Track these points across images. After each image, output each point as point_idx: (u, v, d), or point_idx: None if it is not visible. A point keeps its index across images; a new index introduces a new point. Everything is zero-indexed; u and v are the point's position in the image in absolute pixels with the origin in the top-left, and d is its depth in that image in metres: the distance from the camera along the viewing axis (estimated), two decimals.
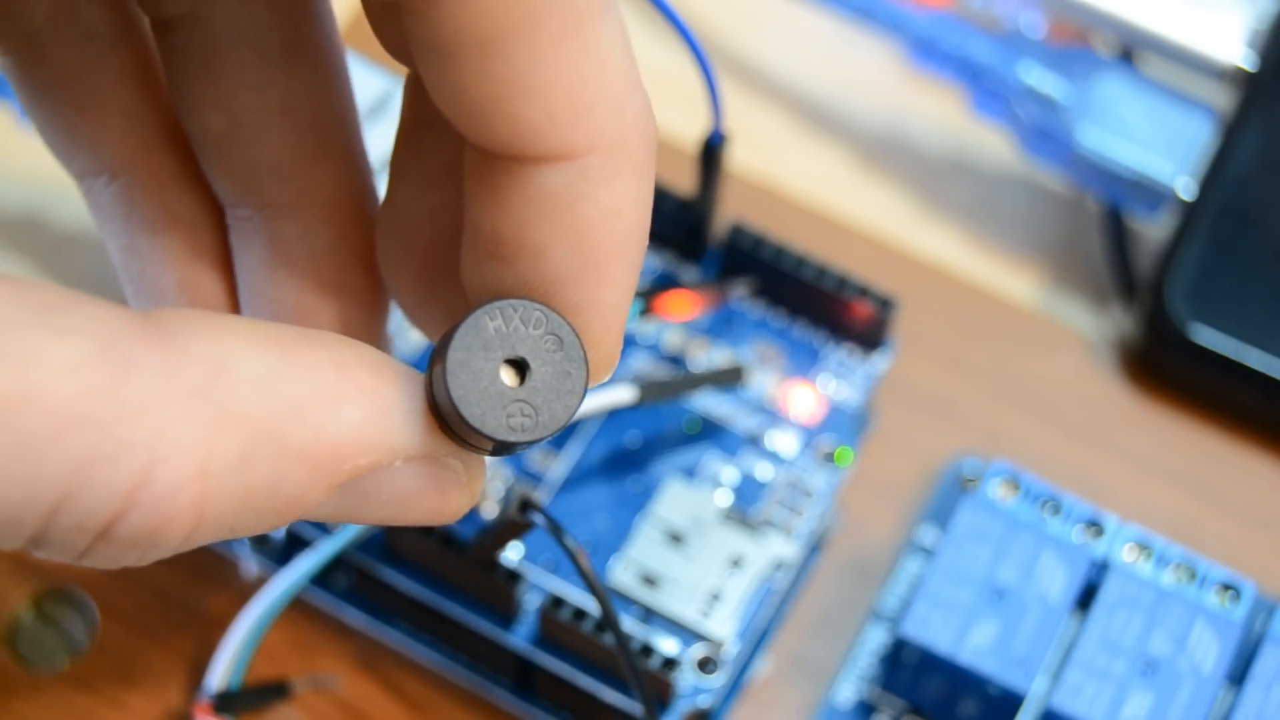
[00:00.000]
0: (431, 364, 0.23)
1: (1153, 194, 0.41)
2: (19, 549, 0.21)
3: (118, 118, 0.27)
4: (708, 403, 0.36)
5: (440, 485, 0.23)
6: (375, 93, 0.37)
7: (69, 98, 0.27)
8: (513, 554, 0.34)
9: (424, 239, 0.26)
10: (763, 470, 0.35)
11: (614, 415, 0.36)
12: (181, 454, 0.21)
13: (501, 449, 0.23)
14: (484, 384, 0.22)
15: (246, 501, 0.22)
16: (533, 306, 0.23)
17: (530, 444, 0.23)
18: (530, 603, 0.34)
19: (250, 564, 0.36)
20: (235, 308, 0.28)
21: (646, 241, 0.24)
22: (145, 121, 0.27)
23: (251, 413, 0.21)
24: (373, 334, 0.28)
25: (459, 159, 0.24)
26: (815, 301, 0.37)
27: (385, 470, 0.23)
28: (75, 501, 0.20)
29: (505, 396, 0.22)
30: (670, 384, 0.35)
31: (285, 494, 0.22)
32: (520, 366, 0.23)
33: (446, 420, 0.23)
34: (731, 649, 0.33)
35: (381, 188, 0.27)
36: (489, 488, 0.35)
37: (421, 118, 0.26)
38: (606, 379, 0.25)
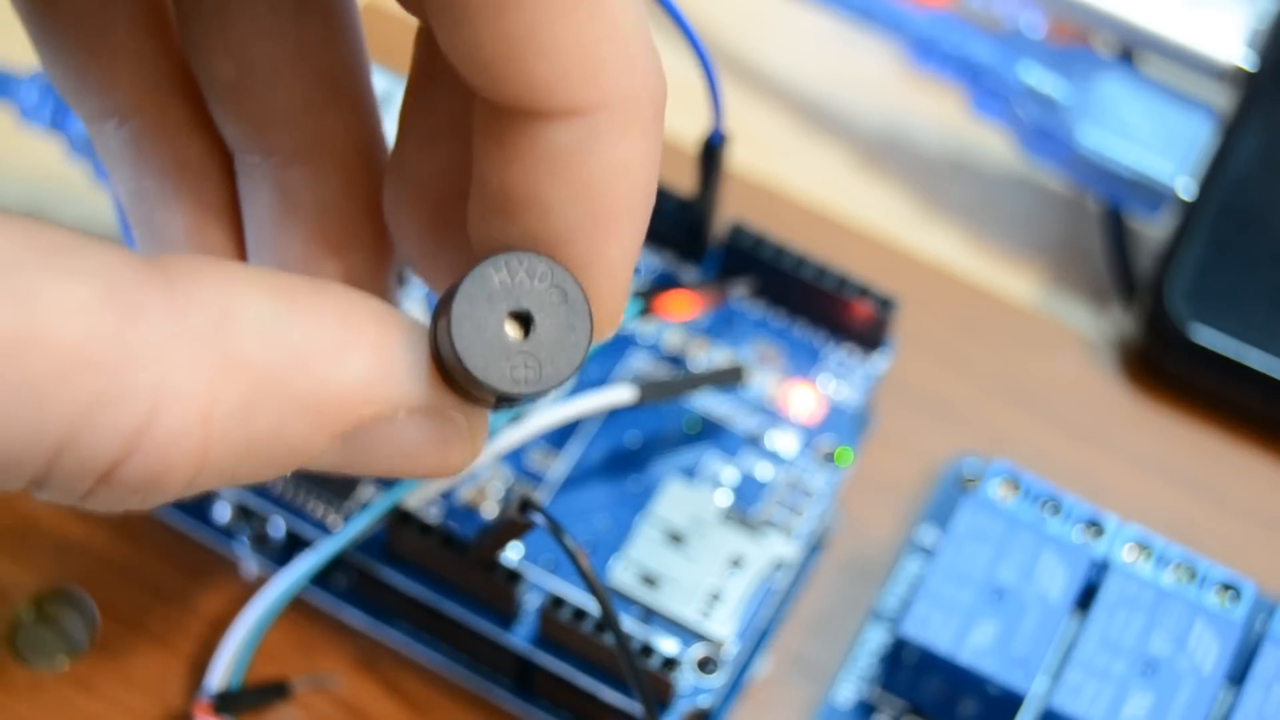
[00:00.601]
0: (436, 316, 0.23)
1: (1153, 194, 0.41)
2: (21, 489, 0.21)
3: (128, 61, 0.27)
4: (708, 403, 0.36)
5: (443, 438, 0.23)
6: (378, 91, 0.37)
7: (80, 40, 0.27)
8: (513, 554, 0.34)
9: (431, 192, 0.26)
10: (763, 470, 0.35)
11: (614, 415, 0.36)
12: (185, 399, 0.21)
13: (505, 401, 0.23)
14: (488, 336, 0.22)
15: (248, 448, 0.22)
16: (538, 260, 0.23)
17: (534, 396, 0.23)
18: (530, 603, 0.34)
19: (250, 564, 0.36)
20: (242, 255, 0.28)
21: (654, 199, 0.24)
22: (156, 66, 0.27)
23: (256, 360, 0.21)
24: (378, 285, 0.28)
25: (467, 113, 0.24)
26: (815, 301, 0.37)
27: (388, 422, 0.23)
28: (78, 443, 0.20)
29: (509, 349, 0.22)
30: (670, 384, 0.35)
31: (287, 442, 0.22)
32: (525, 319, 0.23)
33: (450, 372, 0.23)
34: (731, 649, 0.33)
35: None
36: (489, 488, 0.35)
37: (431, 71, 0.26)
38: (610, 336, 0.25)
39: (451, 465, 0.24)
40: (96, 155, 0.28)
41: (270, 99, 0.26)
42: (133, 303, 0.20)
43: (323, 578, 0.35)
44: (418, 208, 0.26)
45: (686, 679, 0.33)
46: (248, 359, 0.21)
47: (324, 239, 0.27)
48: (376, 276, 0.28)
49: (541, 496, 0.35)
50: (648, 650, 0.32)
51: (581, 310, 0.23)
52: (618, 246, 0.23)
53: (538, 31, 0.22)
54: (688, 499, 0.35)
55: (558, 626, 0.33)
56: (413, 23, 0.25)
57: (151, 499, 0.21)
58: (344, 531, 0.33)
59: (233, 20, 0.26)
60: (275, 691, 0.35)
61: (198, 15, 0.26)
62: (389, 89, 0.38)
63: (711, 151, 0.35)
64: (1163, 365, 0.40)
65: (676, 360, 0.37)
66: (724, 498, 0.35)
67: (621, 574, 0.34)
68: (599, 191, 0.23)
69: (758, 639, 0.36)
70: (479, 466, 0.35)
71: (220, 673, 0.33)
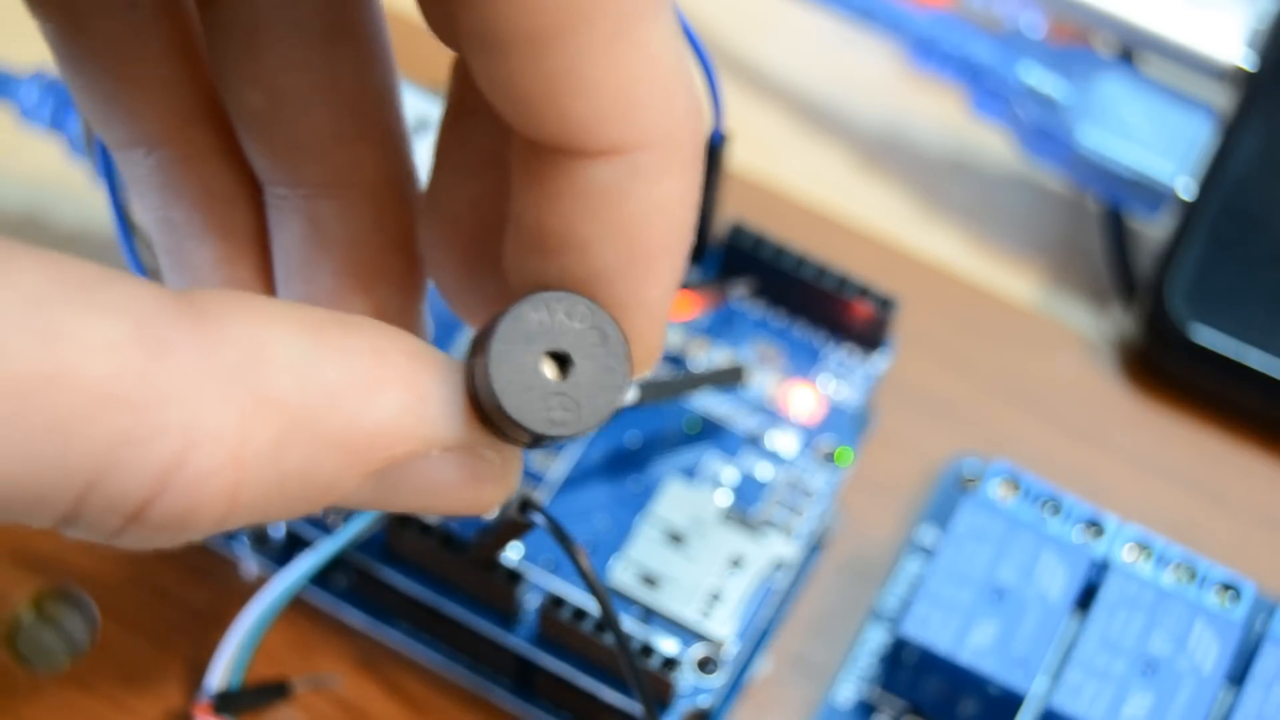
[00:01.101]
0: (472, 354, 0.23)
1: (1153, 194, 0.41)
2: (51, 526, 0.21)
3: (158, 89, 0.27)
4: (708, 403, 0.36)
5: (475, 476, 0.23)
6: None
7: (109, 68, 0.26)
8: (513, 554, 0.34)
9: (467, 226, 0.26)
10: (763, 470, 0.35)
11: (614, 415, 0.36)
12: (216, 438, 0.20)
13: (539, 442, 0.23)
14: (526, 376, 0.22)
15: (279, 487, 0.21)
16: (577, 300, 0.23)
17: (569, 438, 0.23)
18: (530, 603, 0.34)
19: (250, 564, 0.36)
20: (270, 286, 0.27)
21: (691, 238, 0.24)
22: (185, 95, 0.27)
23: (287, 398, 0.21)
24: (409, 319, 0.27)
25: (504, 145, 0.24)
26: (815, 301, 0.37)
27: (420, 459, 0.23)
28: (107, 483, 0.20)
29: (547, 390, 0.22)
30: (670, 384, 0.35)
31: (319, 481, 0.22)
32: (562, 360, 0.22)
33: (486, 412, 0.22)
34: (731, 649, 0.33)
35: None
36: None
37: (468, 104, 0.25)
38: (648, 374, 0.24)
39: (484, 503, 0.24)
40: (90, 163, 0.27)
41: (300, 129, 0.26)
42: (162, 339, 0.20)
43: (323, 578, 0.35)
44: (452, 240, 0.26)
45: (686, 679, 0.33)
46: (279, 397, 0.21)
47: (354, 272, 0.27)
48: (407, 310, 0.27)
49: (541, 496, 0.35)
50: (648, 650, 0.32)
51: (620, 351, 0.23)
52: (656, 286, 0.23)
53: (576, 70, 0.21)
54: (688, 499, 0.35)
55: (558, 626, 0.33)
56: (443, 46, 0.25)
57: (181, 537, 0.21)
58: (344, 531, 0.33)
59: (263, 50, 0.26)
60: (275, 691, 0.35)
61: (228, 44, 0.26)
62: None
63: (711, 151, 0.35)
64: (1163, 365, 0.40)
65: (676, 360, 0.37)
66: (724, 498, 0.35)
67: (621, 574, 0.34)
68: (638, 231, 0.23)
69: (758, 639, 0.36)
70: None
71: (220, 673, 0.33)
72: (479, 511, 0.24)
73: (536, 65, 0.21)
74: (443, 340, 0.35)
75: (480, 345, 0.22)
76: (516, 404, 0.22)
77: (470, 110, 0.25)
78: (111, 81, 0.26)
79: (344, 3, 0.26)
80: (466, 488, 0.23)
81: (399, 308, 0.27)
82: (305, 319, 0.22)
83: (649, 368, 0.24)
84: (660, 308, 0.24)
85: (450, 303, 0.27)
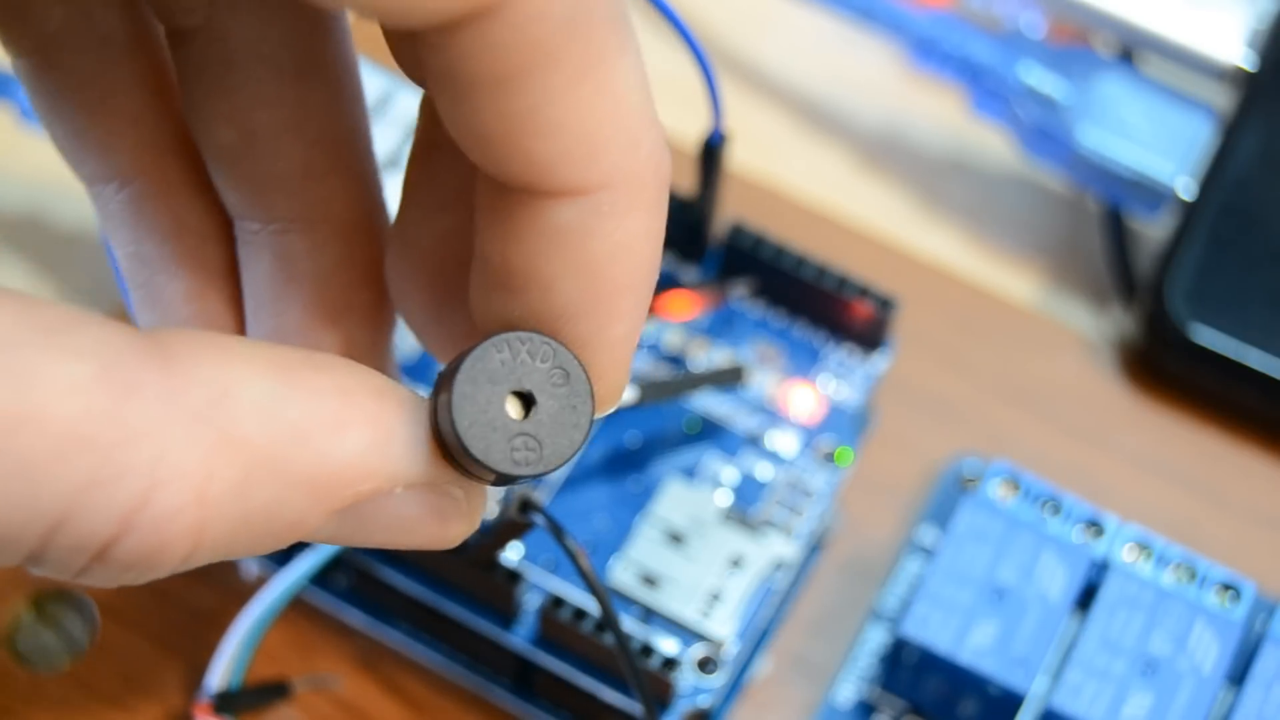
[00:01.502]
0: (436, 393, 0.23)
1: (1153, 194, 0.41)
2: (16, 565, 0.21)
3: (129, 125, 0.27)
4: (708, 403, 0.36)
5: (440, 513, 0.23)
6: (376, 92, 0.37)
7: (82, 103, 0.27)
8: (513, 554, 0.34)
9: (434, 260, 0.26)
10: (763, 470, 0.35)
11: (614, 415, 0.36)
12: (181, 478, 0.21)
13: (504, 480, 0.23)
14: (489, 416, 0.22)
15: (245, 525, 0.21)
16: (540, 340, 0.23)
17: (534, 477, 0.23)
18: (530, 603, 0.34)
19: (250, 564, 0.36)
20: (241, 320, 0.28)
21: (657, 275, 0.24)
22: (157, 129, 0.27)
23: (253, 437, 0.21)
24: (377, 353, 0.27)
25: (471, 182, 0.24)
26: (815, 301, 0.37)
27: (386, 496, 0.23)
28: (74, 522, 0.20)
29: (510, 429, 0.22)
30: (670, 384, 0.35)
31: (284, 519, 0.22)
32: (526, 399, 0.23)
33: (450, 450, 0.23)
34: (731, 649, 0.33)
35: (389, 197, 0.27)
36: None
37: (435, 139, 0.25)
38: (611, 411, 0.24)
39: (449, 538, 0.24)
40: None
41: (271, 165, 0.26)
42: (129, 381, 0.20)
43: (323, 578, 0.35)
44: (420, 275, 0.26)
45: (686, 679, 0.33)
46: (245, 436, 0.21)
47: (323, 306, 0.27)
48: (376, 345, 0.27)
49: (541, 496, 0.35)
50: (648, 650, 0.32)
51: (583, 390, 0.23)
52: (620, 325, 0.23)
53: (540, 111, 0.21)
54: (688, 499, 0.35)
55: (558, 626, 0.33)
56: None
57: (146, 575, 0.21)
58: None
59: (235, 86, 0.26)
60: (275, 691, 0.35)
61: (200, 80, 0.26)
62: (389, 89, 0.38)
63: (711, 151, 0.35)
64: (1163, 365, 0.40)
65: (676, 360, 0.37)
66: (724, 498, 0.35)
67: (621, 574, 0.34)
68: (602, 270, 0.23)
69: (758, 639, 0.36)
70: None
71: (220, 673, 0.33)
72: (443, 546, 0.24)
73: (501, 105, 0.21)
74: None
75: (444, 384, 0.23)
76: (480, 444, 0.22)
77: (437, 146, 0.26)
78: (84, 116, 0.27)
79: (314, 40, 0.26)
80: (432, 524, 0.23)
81: (368, 342, 0.27)
82: (272, 359, 0.22)
83: (613, 405, 0.24)
84: (624, 346, 0.24)
85: (418, 336, 0.27)
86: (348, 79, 0.27)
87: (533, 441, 0.23)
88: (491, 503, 0.35)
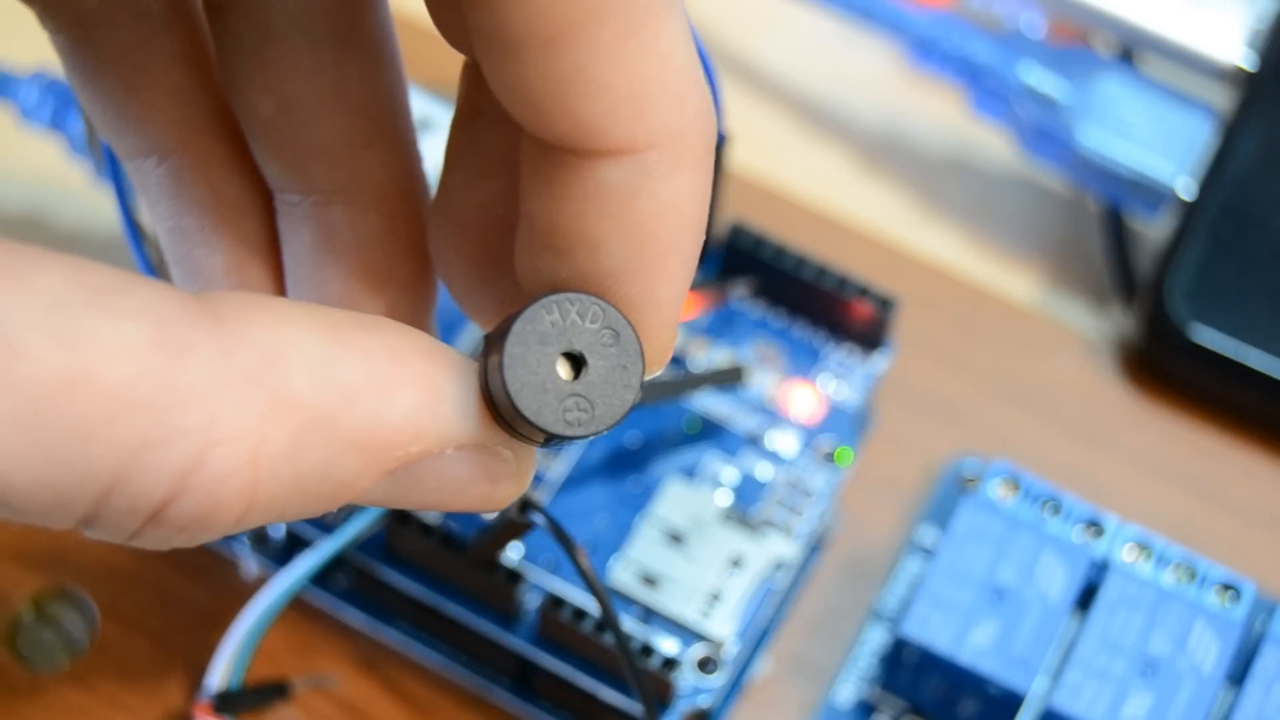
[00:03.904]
0: (486, 354, 0.23)
1: (1153, 194, 0.41)
2: (71, 528, 0.21)
3: (168, 98, 0.27)
4: (708, 403, 0.36)
5: (490, 474, 0.23)
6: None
7: (120, 78, 0.26)
8: (513, 554, 0.34)
9: (478, 228, 0.26)
10: (763, 470, 0.35)
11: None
12: (235, 439, 0.21)
13: (554, 441, 0.23)
14: (540, 377, 0.22)
15: (297, 487, 0.22)
16: (589, 300, 0.23)
17: (586, 438, 0.23)
18: (530, 603, 0.34)
19: (250, 564, 0.36)
20: (282, 293, 0.28)
21: (703, 237, 0.24)
22: (195, 103, 0.27)
23: (305, 399, 0.21)
24: (420, 322, 0.27)
25: (514, 147, 0.24)
26: (815, 301, 0.37)
27: (436, 458, 0.23)
28: (127, 485, 0.20)
29: (561, 390, 0.22)
30: (670, 384, 0.35)
31: (336, 480, 0.22)
32: (576, 360, 0.23)
33: (501, 412, 0.23)
34: (731, 649, 0.33)
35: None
36: None
37: (478, 106, 0.25)
38: (660, 372, 0.25)
39: (498, 500, 0.24)
40: (91, 162, 0.28)
41: (310, 136, 0.26)
42: (181, 342, 0.20)
43: (323, 578, 0.35)
44: (463, 243, 0.26)
45: (686, 679, 0.33)
46: (296, 398, 0.21)
47: (365, 277, 0.27)
48: (418, 315, 0.27)
49: (541, 496, 0.35)
50: (648, 650, 0.32)
51: (633, 351, 0.23)
52: (668, 285, 0.23)
53: (587, 70, 0.21)
54: (688, 499, 0.35)
55: (558, 626, 0.33)
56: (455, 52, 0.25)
57: (199, 538, 0.21)
58: (344, 531, 0.33)
59: (273, 56, 0.26)
60: (275, 691, 0.35)
61: (238, 51, 0.26)
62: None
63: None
64: (1163, 365, 0.40)
65: (676, 360, 0.37)
66: (724, 498, 0.35)
67: (621, 574, 0.34)
68: (649, 230, 0.23)
69: (758, 639, 0.36)
70: None
71: (220, 673, 0.33)
72: (493, 508, 0.24)
73: (547, 65, 0.21)
74: (446, 339, 0.35)
75: (494, 346, 0.23)
76: (532, 405, 0.22)
77: (480, 112, 0.26)
78: (122, 92, 0.27)
79: (353, 9, 0.26)
80: (481, 485, 0.23)
81: (409, 311, 0.27)
82: (321, 320, 0.22)
83: (661, 365, 0.24)
84: (672, 306, 0.24)
85: (461, 304, 0.27)
86: (387, 48, 0.26)
87: (584, 402, 0.23)
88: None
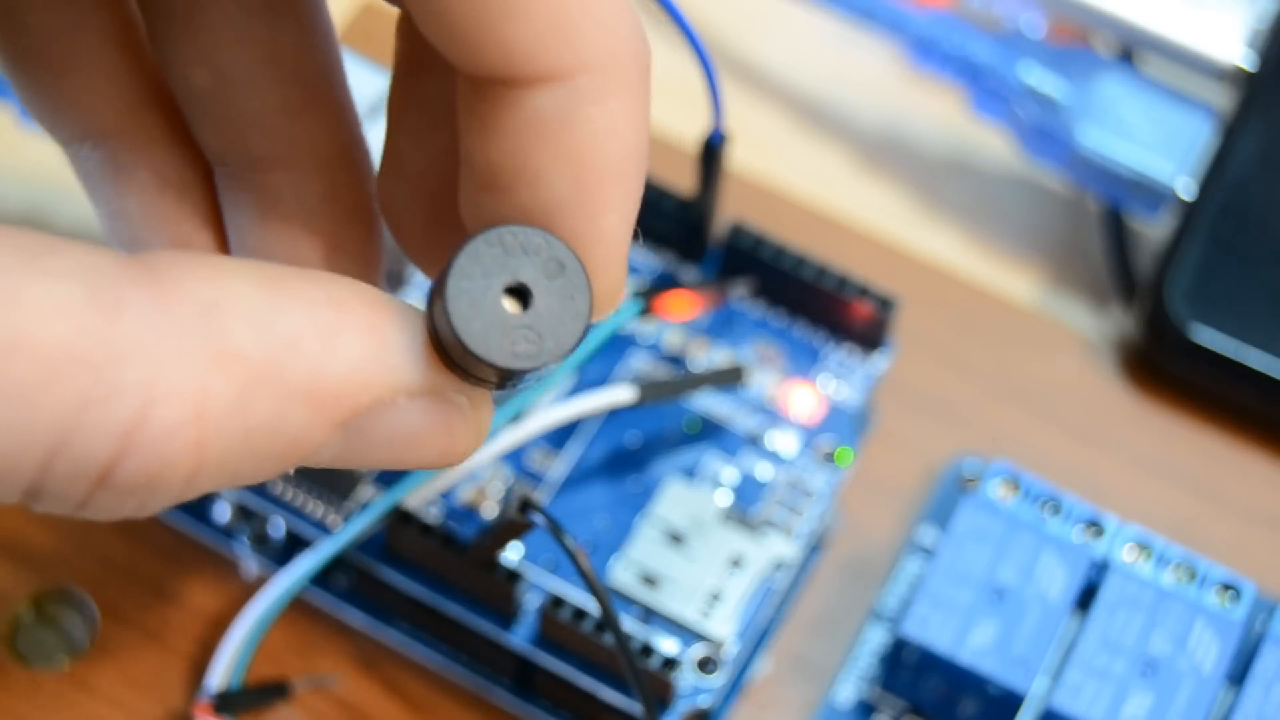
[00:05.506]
0: (431, 297, 0.22)
1: (1153, 194, 0.41)
2: (17, 501, 0.21)
3: (101, 81, 0.26)
4: (708, 403, 0.36)
5: (446, 423, 0.23)
6: (375, 93, 0.37)
7: (51, 63, 0.26)
8: (513, 554, 0.34)
9: (427, 184, 0.26)
10: (763, 470, 0.35)
11: (614, 415, 0.36)
12: (177, 395, 0.20)
13: (507, 379, 0.23)
14: (486, 312, 0.22)
15: (246, 443, 0.21)
16: (532, 232, 0.22)
17: (536, 370, 0.22)
18: (530, 603, 0.34)
19: (250, 564, 0.36)
20: None
21: (645, 164, 0.23)
22: (129, 84, 0.27)
23: (247, 350, 0.21)
24: None
25: (454, 98, 0.24)
26: (815, 301, 0.37)
27: (388, 408, 0.22)
28: (70, 447, 0.20)
29: (508, 323, 0.22)
30: (670, 384, 0.35)
31: (286, 434, 0.22)
32: (522, 293, 0.22)
33: (449, 352, 0.22)
34: (731, 649, 0.33)
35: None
36: (489, 488, 0.35)
37: (414, 60, 0.25)
38: (612, 310, 0.24)
39: (456, 451, 0.23)
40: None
41: (247, 105, 0.26)
42: (117, 299, 0.20)
43: (323, 578, 0.35)
44: (414, 201, 0.26)
45: (686, 679, 0.33)
46: (239, 350, 0.21)
47: (309, 243, 0.27)
48: (364, 278, 0.27)
49: (541, 496, 0.35)
50: (648, 650, 0.32)
51: (580, 281, 0.22)
52: (612, 214, 0.23)
53: None
54: (688, 499, 0.35)
55: (558, 626, 0.33)
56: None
57: (151, 502, 0.21)
58: (344, 531, 0.33)
59: (204, 26, 0.26)
60: (275, 691, 0.35)
61: (169, 24, 0.26)
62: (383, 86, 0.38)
63: (711, 151, 0.35)
64: (1163, 365, 0.40)
65: (676, 360, 0.37)
66: (724, 498, 0.35)
67: (621, 574, 0.34)
68: (586, 157, 0.23)
69: (758, 639, 0.36)
70: (479, 467, 0.35)
71: (220, 673, 0.33)
72: (452, 461, 0.24)
73: None
74: None
75: (438, 286, 0.22)
76: (478, 340, 0.22)
77: (418, 66, 0.25)
78: (54, 77, 0.26)
79: None
80: (438, 435, 0.23)
81: (356, 275, 0.27)
82: (262, 273, 0.22)
83: (614, 304, 0.24)
84: (618, 237, 0.23)
85: (415, 261, 0.27)
86: (317, 13, 0.26)
87: (532, 334, 0.22)
88: (492, 501, 0.35)
